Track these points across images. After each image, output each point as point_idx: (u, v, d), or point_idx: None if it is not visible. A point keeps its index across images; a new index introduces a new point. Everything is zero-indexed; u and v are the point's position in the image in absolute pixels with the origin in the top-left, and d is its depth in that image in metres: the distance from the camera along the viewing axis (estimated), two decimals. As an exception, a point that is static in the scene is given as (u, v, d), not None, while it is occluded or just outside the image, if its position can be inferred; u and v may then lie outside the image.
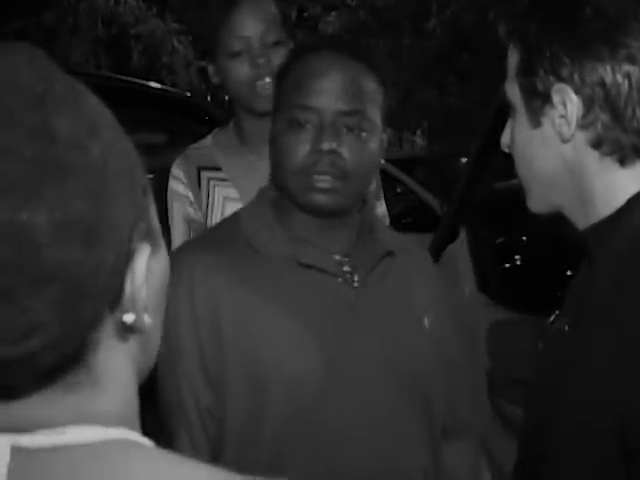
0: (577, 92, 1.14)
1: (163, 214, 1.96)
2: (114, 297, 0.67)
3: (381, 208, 2.14)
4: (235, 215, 1.53)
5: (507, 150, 1.28)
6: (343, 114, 1.42)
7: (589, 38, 1.13)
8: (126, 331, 0.70)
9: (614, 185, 1.16)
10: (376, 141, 1.46)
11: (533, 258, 3.52)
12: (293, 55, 1.50)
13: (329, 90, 1.42)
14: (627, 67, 1.12)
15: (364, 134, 1.43)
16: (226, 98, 2.09)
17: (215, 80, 2.09)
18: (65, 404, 0.67)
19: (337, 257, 1.47)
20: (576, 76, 1.13)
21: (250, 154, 2.04)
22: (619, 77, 1.12)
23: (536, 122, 1.19)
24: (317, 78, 1.42)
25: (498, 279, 3.14)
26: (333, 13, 13.71)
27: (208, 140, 2.12)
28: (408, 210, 6.68)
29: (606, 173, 1.16)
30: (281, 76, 1.48)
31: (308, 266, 1.42)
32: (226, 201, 2.04)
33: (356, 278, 1.46)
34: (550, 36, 1.16)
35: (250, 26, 1.99)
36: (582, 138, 1.15)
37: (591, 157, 1.16)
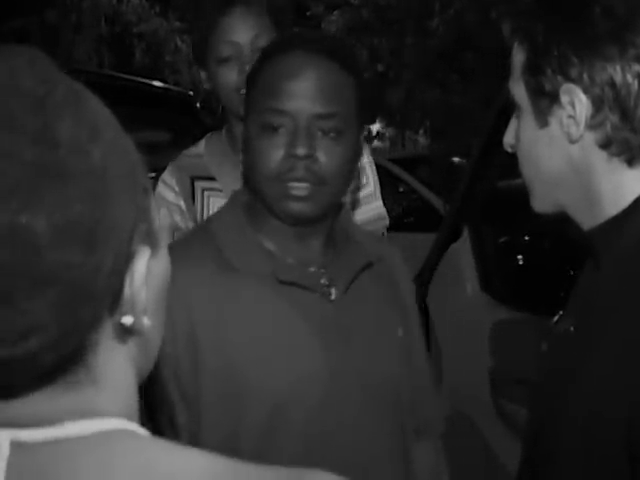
0: (586, 92, 1.13)
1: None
2: (113, 299, 0.67)
3: (379, 208, 2.13)
4: (208, 224, 1.48)
5: (510, 150, 1.27)
6: (318, 117, 1.36)
7: (598, 38, 1.12)
8: (125, 333, 0.70)
9: (622, 185, 1.16)
10: (352, 144, 1.41)
11: (536, 258, 3.51)
12: (264, 56, 1.44)
13: (303, 92, 1.36)
14: (637, 67, 1.11)
15: (340, 137, 1.38)
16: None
17: (206, 86, 2.04)
18: (64, 402, 0.67)
19: (313, 269, 1.43)
20: (585, 76, 1.12)
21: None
22: (629, 77, 1.11)
23: (543, 122, 1.18)
24: (290, 80, 1.36)
25: (501, 279, 3.14)
26: (336, 12, 13.69)
27: (201, 147, 2.07)
28: (411, 209, 6.68)
29: (614, 174, 1.15)
30: (252, 78, 1.43)
31: (287, 283, 1.38)
32: None
33: (333, 291, 1.42)
34: (558, 35, 1.14)
35: (240, 32, 1.95)
36: (590, 138, 1.15)
37: (599, 157, 1.15)
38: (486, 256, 3.11)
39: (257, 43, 1.93)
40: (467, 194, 3.18)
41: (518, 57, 1.20)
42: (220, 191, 2.02)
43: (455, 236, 3.15)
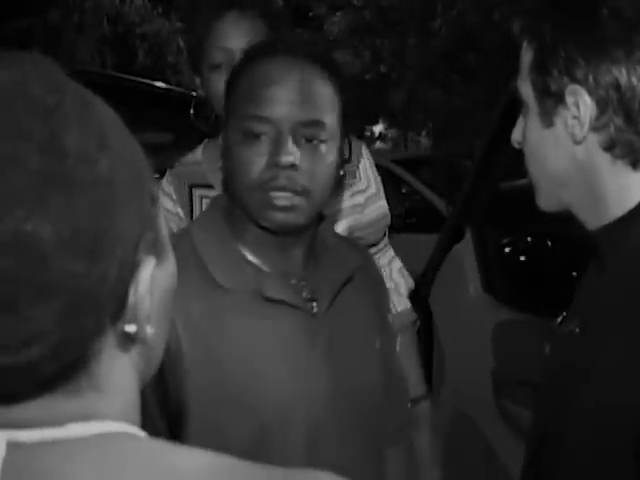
0: (591, 94, 1.13)
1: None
2: (117, 308, 0.67)
3: (383, 207, 2.13)
4: (189, 231, 1.44)
5: (517, 146, 1.27)
6: (301, 125, 1.32)
7: (605, 39, 1.12)
8: (128, 341, 0.70)
9: (627, 187, 1.16)
10: (335, 151, 1.36)
11: (538, 259, 3.51)
12: (244, 60, 1.39)
13: (286, 99, 1.32)
14: None
15: (323, 145, 1.34)
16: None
17: (201, 93, 2.01)
18: (65, 407, 0.67)
19: (294, 281, 1.40)
20: (590, 78, 1.12)
21: None
22: (634, 79, 1.11)
23: (548, 122, 1.18)
24: (272, 86, 1.32)
25: (503, 280, 3.14)
26: (338, 13, 13.69)
27: (198, 154, 2.04)
28: (413, 210, 6.68)
29: (618, 176, 1.15)
30: (232, 83, 1.39)
31: (272, 300, 1.35)
32: None
33: (315, 305, 1.39)
34: (565, 36, 1.14)
35: (233, 38, 1.90)
36: (594, 140, 1.15)
37: (603, 159, 1.15)
38: (489, 257, 3.11)
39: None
40: (470, 195, 3.17)
41: (526, 56, 1.20)
42: None
43: (458, 237, 3.15)
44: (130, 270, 0.67)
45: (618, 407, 1.07)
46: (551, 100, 1.16)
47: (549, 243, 3.54)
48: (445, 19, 11.70)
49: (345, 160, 1.42)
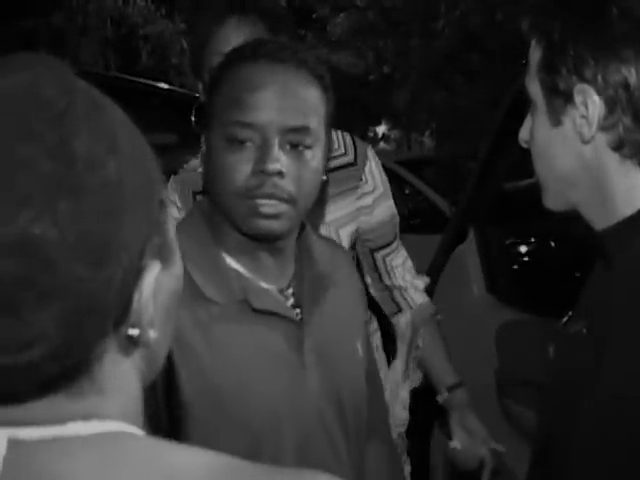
0: (600, 93, 1.12)
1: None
2: (121, 312, 0.67)
3: (391, 208, 2.12)
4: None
5: (525, 146, 1.26)
6: (287, 131, 1.29)
7: (615, 39, 1.12)
8: (131, 345, 0.70)
9: (635, 186, 1.15)
10: (320, 156, 1.34)
11: (542, 259, 3.51)
12: (227, 63, 1.36)
13: (271, 105, 1.29)
14: None
15: (308, 151, 1.31)
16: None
17: (203, 99, 2.02)
18: (67, 408, 0.67)
19: (277, 288, 1.39)
20: (599, 77, 1.12)
21: None
22: None
23: (556, 121, 1.17)
24: (256, 91, 1.29)
25: (507, 280, 3.14)
26: (342, 14, 13.70)
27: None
28: (416, 211, 6.67)
29: (627, 175, 1.15)
30: (214, 88, 1.35)
31: (259, 311, 1.34)
32: None
33: (298, 311, 1.38)
34: (575, 35, 1.14)
35: (234, 43, 1.89)
36: (603, 140, 1.14)
37: (611, 159, 1.15)
38: (492, 258, 3.11)
39: None
40: (473, 196, 3.17)
41: (535, 55, 1.19)
42: None
43: (461, 238, 3.15)
44: (135, 275, 0.67)
45: (628, 407, 1.06)
46: (559, 99, 1.16)
47: (552, 243, 3.54)
48: (448, 20, 11.70)
49: (325, 166, 1.39)
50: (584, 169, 1.17)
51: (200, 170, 1.96)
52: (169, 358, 0.80)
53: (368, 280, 2.11)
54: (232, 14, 1.89)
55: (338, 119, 2.10)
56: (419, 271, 2.21)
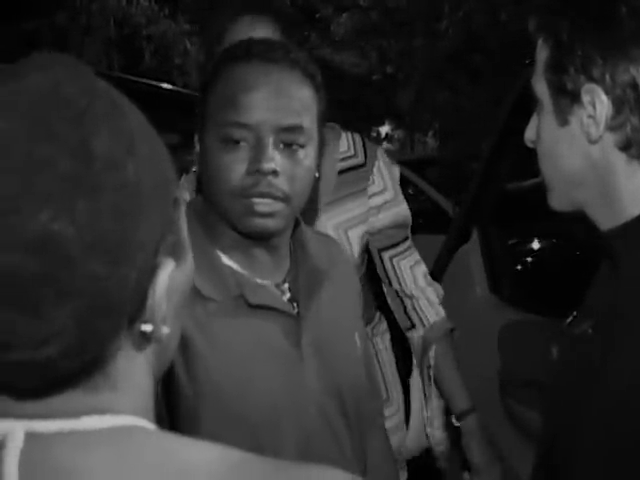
0: (607, 93, 1.12)
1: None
2: (135, 309, 0.69)
3: (403, 212, 2.12)
4: None
5: (531, 145, 1.26)
6: (281, 130, 1.31)
7: (623, 38, 1.11)
8: (144, 341, 0.72)
9: None
10: (313, 155, 1.36)
11: (545, 259, 3.51)
12: (220, 64, 1.37)
13: (265, 105, 1.31)
14: None
15: (302, 150, 1.34)
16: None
17: None
18: (82, 402, 0.69)
19: (273, 284, 1.41)
20: (607, 77, 1.11)
21: None
22: None
23: (563, 120, 1.17)
24: (250, 92, 1.31)
25: (510, 280, 3.14)
26: (345, 14, 13.69)
27: None
28: (420, 211, 6.64)
29: (634, 176, 1.15)
30: (208, 89, 1.37)
31: (255, 305, 1.35)
32: None
33: (295, 305, 1.40)
34: (583, 34, 1.13)
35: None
36: (610, 140, 1.14)
37: (619, 159, 1.14)
38: (495, 258, 3.11)
39: None
40: (476, 196, 3.17)
41: (542, 54, 1.19)
42: None
43: (464, 238, 3.15)
44: (150, 273, 0.69)
45: (634, 407, 1.06)
46: (567, 99, 1.16)
47: (556, 244, 3.54)
48: (451, 20, 11.70)
49: (318, 165, 1.41)
50: (591, 169, 1.17)
51: (194, 169, 1.98)
52: None
53: (383, 285, 2.11)
54: (246, 13, 1.90)
55: (341, 119, 2.10)
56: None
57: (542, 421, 1.33)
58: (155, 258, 0.69)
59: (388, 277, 2.08)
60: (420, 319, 2.05)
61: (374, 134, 16.23)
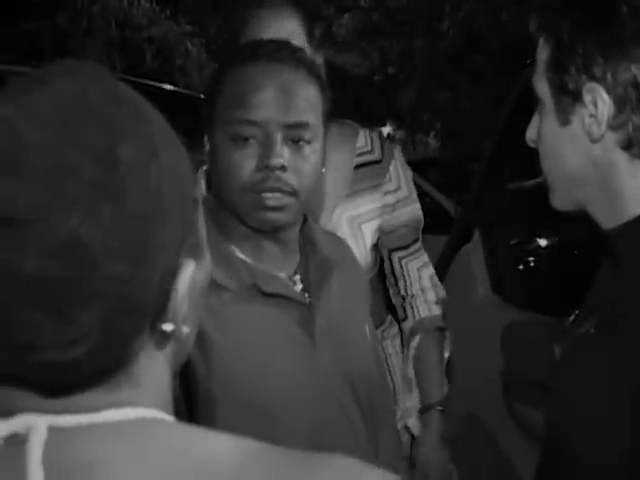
0: (609, 92, 1.12)
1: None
2: (157, 311, 0.71)
3: (415, 211, 2.14)
4: None
5: (532, 145, 1.27)
6: (288, 127, 1.37)
7: (624, 37, 1.11)
8: (165, 340, 0.74)
9: None
10: (319, 151, 1.42)
11: (547, 259, 3.51)
12: (228, 64, 1.43)
13: (273, 102, 1.37)
14: None
15: (308, 145, 1.39)
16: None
17: None
18: (104, 399, 0.71)
19: (285, 275, 1.45)
20: (609, 76, 1.12)
21: None
22: None
23: (565, 120, 1.17)
24: (259, 90, 1.37)
25: (512, 280, 3.14)
26: (346, 15, 13.69)
27: None
28: (422, 211, 6.63)
29: (636, 175, 1.15)
30: (216, 89, 1.42)
31: (268, 294, 1.40)
32: None
33: (306, 295, 1.45)
34: (584, 33, 1.14)
35: (266, 34, 1.89)
36: (612, 139, 1.14)
37: (621, 158, 1.15)
38: (497, 258, 3.11)
39: None
40: (478, 196, 3.17)
41: (543, 53, 1.19)
42: None
43: (466, 238, 3.15)
44: (172, 274, 0.72)
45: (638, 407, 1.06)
46: (568, 98, 1.16)
47: (558, 243, 3.54)
48: (452, 20, 11.69)
49: (324, 160, 1.46)
50: (593, 168, 1.17)
51: (205, 168, 1.99)
52: None
53: (387, 284, 2.13)
54: (268, 4, 1.92)
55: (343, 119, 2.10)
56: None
57: (545, 421, 1.33)
58: (177, 260, 0.72)
59: (395, 277, 2.10)
60: (413, 313, 2.09)
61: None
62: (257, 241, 1.43)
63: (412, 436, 2.07)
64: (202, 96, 2.16)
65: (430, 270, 2.13)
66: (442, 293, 2.14)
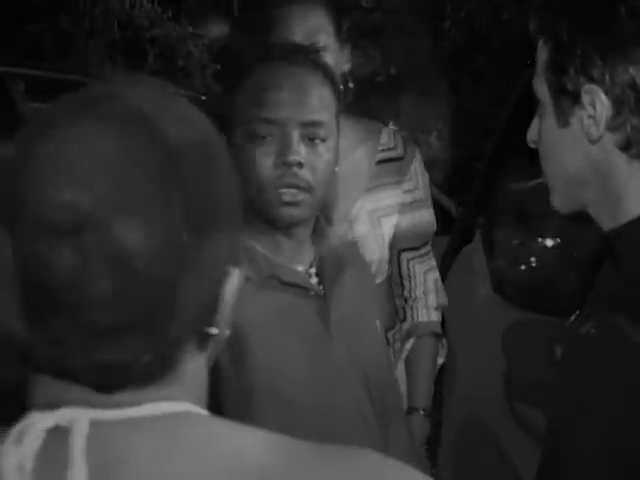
0: (607, 93, 1.12)
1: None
2: (207, 316, 0.76)
3: (426, 216, 2.16)
4: None
5: (533, 146, 1.27)
6: (305, 125, 1.44)
7: (623, 39, 1.12)
8: (208, 342, 0.79)
9: None
10: (333, 149, 1.49)
11: (549, 259, 3.50)
12: (245, 67, 1.51)
13: (290, 102, 1.43)
14: None
15: (323, 143, 1.46)
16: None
17: None
18: (148, 395, 0.75)
19: (301, 268, 1.51)
20: (607, 77, 1.12)
21: None
22: None
23: (564, 121, 1.18)
24: (276, 91, 1.44)
25: (513, 280, 3.14)
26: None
27: None
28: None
29: (635, 176, 1.15)
30: (236, 89, 1.48)
31: (288, 284, 1.46)
32: None
33: (321, 288, 1.51)
34: (582, 34, 1.14)
35: (295, 28, 1.97)
36: (610, 140, 1.14)
37: (620, 159, 1.15)
38: (499, 258, 3.11)
39: (312, 40, 1.96)
40: (480, 196, 3.17)
41: (542, 55, 1.20)
42: None
43: (468, 238, 3.15)
44: (221, 282, 0.77)
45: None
46: (567, 99, 1.16)
47: (559, 244, 3.54)
48: (454, 21, 11.68)
49: (337, 158, 1.52)
50: (592, 169, 1.17)
51: None
52: None
53: (392, 285, 2.15)
54: (297, 2, 1.97)
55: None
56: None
57: (546, 421, 1.33)
58: (226, 268, 0.77)
59: (401, 277, 2.13)
60: (412, 315, 2.13)
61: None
62: (273, 236, 1.49)
63: None
64: (204, 97, 2.16)
65: (435, 275, 2.17)
66: (444, 299, 2.17)
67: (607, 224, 1.20)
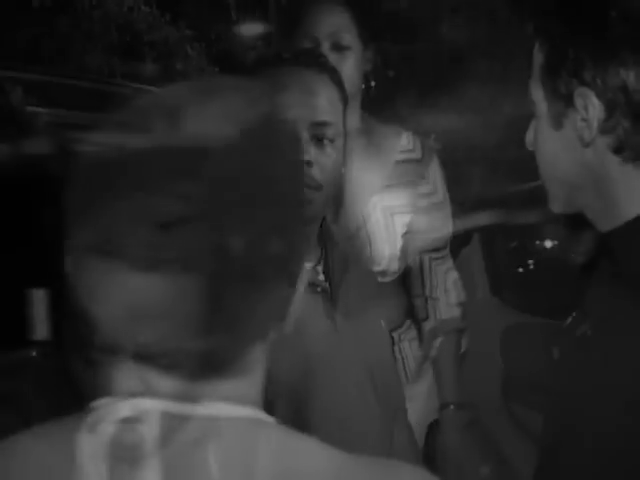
0: (599, 96, 1.13)
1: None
2: (282, 316, 0.82)
3: (444, 219, 2.20)
4: None
5: (530, 149, 1.28)
6: (314, 125, 1.48)
7: (614, 42, 1.12)
8: (271, 337, 0.84)
9: (638, 188, 1.16)
10: (341, 150, 1.52)
11: (545, 261, 3.51)
12: (255, 69, 1.55)
13: (300, 103, 1.47)
14: None
15: (331, 143, 1.49)
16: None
17: None
18: (217, 387, 0.77)
19: (308, 265, 1.53)
20: (598, 80, 1.12)
21: None
22: None
23: (558, 124, 1.18)
24: (286, 92, 1.47)
25: (511, 282, 3.14)
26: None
27: None
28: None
29: (629, 178, 1.15)
30: None
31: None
32: None
33: (328, 285, 1.54)
34: (575, 38, 1.15)
35: (320, 27, 2.02)
36: (603, 143, 1.15)
37: (613, 162, 1.15)
38: (496, 260, 3.11)
39: (336, 40, 2.03)
40: (478, 198, 3.18)
41: (538, 58, 1.20)
42: None
43: (465, 241, 3.15)
44: (298, 277, 0.84)
45: (637, 407, 1.06)
46: (561, 102, 1.17)
47: (556, 246, 3.54)
48: (454, 23, 11.69)
49: (346, 159, 1.57)
50: (587, 172, 1.18)
51: None
52: None
53: (411, 285, 2.19)
54: (321, 3, 2.02)
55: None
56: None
57: (544, 422, 1.33)
58: (302, 264, 0.84)
59: (422, 277, 2.16)
60: (435, 314, 2.18)
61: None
62: None
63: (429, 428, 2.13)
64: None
65: (455, 274, 2.23)
66: (462, 295, 2.22)
67: (603, 226, 1.20)
